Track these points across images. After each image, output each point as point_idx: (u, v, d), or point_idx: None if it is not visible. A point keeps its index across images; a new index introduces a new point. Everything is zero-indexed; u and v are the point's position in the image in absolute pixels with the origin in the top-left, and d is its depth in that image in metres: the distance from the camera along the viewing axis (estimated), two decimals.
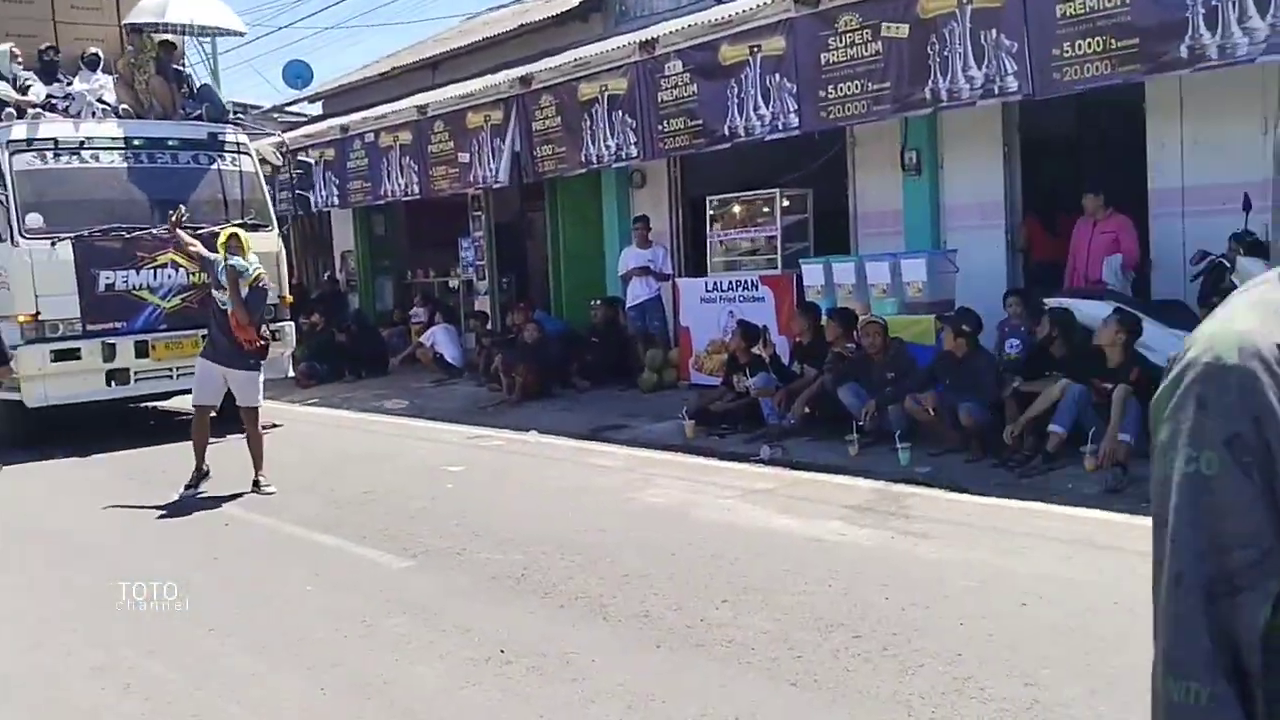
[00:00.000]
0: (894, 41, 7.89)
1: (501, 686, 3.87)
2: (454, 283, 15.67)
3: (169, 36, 10.94)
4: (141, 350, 9.77)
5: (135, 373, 9.81)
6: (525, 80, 11.19)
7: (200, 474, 7.53)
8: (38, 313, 9.36)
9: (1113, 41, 6.78)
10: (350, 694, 3.90)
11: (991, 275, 8.91)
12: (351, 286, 17.32)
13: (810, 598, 4.65)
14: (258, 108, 19.36)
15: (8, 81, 10.31)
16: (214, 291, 7.64)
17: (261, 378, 7.68)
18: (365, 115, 14.22)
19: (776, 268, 10.17)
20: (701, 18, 9.71)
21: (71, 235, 9.50)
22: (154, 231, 9.80)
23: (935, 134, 9.48)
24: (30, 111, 10.07)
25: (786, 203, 10.34)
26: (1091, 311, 7.25)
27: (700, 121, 9.43)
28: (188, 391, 8.03)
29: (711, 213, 10.88)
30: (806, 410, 8.25)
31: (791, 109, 8.66)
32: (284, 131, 15.51)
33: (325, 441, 9.86)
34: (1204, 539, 1.01)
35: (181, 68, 11.56)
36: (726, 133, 9.23)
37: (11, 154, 9.55)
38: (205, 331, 7.98)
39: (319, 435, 10.30)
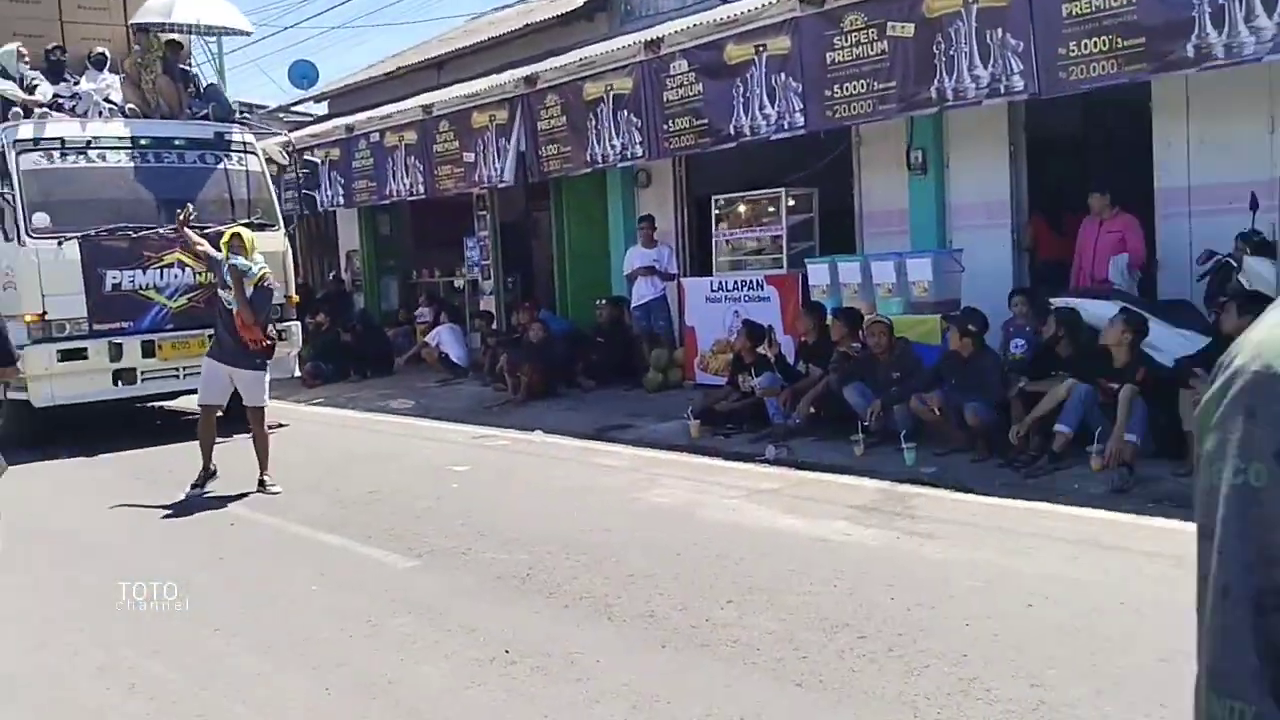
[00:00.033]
0: (899, 41, 7.88)
1: (506, 686, 3.87)
2: (459, 282, 15.68)
3: (175, 36, 10.96)
4: (148, 350, 9.79)
5: (142, 372, 9.83)
6: (530, 80, 11.19)
7: (207, 473, 7.55)
8: (44, 312, 9.39)
9: (1119, 40, 6.77)
10: (355, 694, 3.90)
11: (997, 275, 8.90)
12: (357, 286, 17.35)
13: (815, 598, 4.64)
14: (263, 107, 19.38)
15: (15, 81, 10.34)
16: (220, 291, 7.65)
17: (268, 378, 7.69)
18: (370, 115, 14.24)
19: (782, 267, 10.16)
20: (707, 17, 9.70)
21: (78, 235, 9.52)
22: (160, 231, 9.83)
23: (941, 133, 9.46)
24: (37, 111, 10.09)
25: (792, 202, 10.33)
26: (1098, 311, 7.23)
27: (705, 121, 9.42)
28: (194, 391, 8.05)
29: (717, 212, 10.87)
30: (812, 410, 8.24)
31: (797, 108, 8.65)
32: (290, 131, 15.54)
33: (330, 441, 9.87)
34: (1252, 551, 0.97)
35: (188, 67, 11.58)
36: (732, 132, 9.22)
37: (18, 153, 9.58)
38: (212, 331, 7.99)
39: (324, 435, 10.32)
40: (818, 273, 9.45)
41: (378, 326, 15.43)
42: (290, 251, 11.24)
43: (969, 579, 4.79)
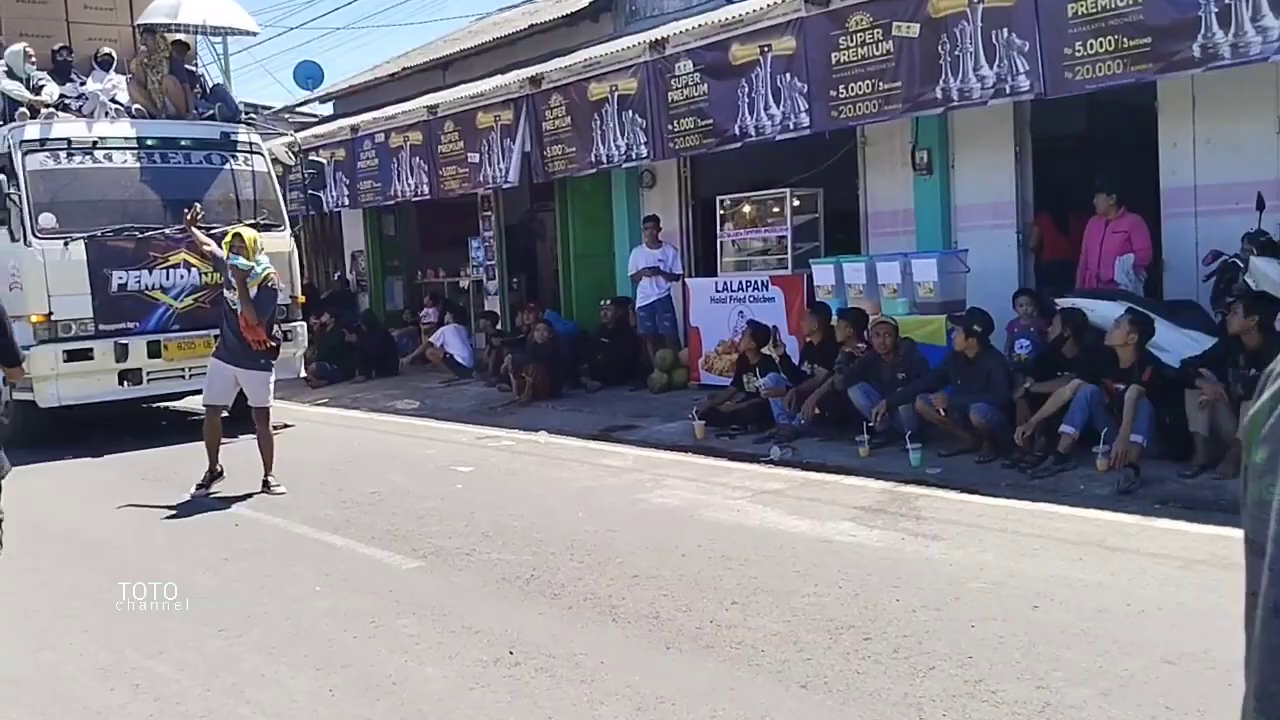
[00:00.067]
0: (905, 41, 7.87)
1: (510, 688, 3.87)
2: (464, 283, 15.69)
3: (182, 36, 10.98)
4: (154, 350, 9.80)
5: (148, 373, 9.84)
6: (535, 80, 11.20)
7: (213, 474, 7.56)
8: (50, 313, 9.40)
9: (1125, 40, 6.76)
10: (359, 695, 3.90)
11: (1003, 275, 8.89)
12: (362, 287, 17.37)
13: (820, 599, 4.63)
14: (269, 108, 19.41)
15: (21, 81, 10.36)
16: (225, 291, 7.65)
17: (273, 378, 7.70)
18: (375, 116, 14.26)
19: (787, 268, 10.15)
20: (712, 17, 9.69)
21: (84, 235, 9.53)
22: (166, 231, 9.85)
23: (946, 133, 9.45)
24: (43, 111, 10.10)
25: (797, 202, 10.32)
26: (1104, 311, 7.21)
27: (711, 121, 9.42)
28: (200, 392, 8.05)
29: (722, 213, 10.86)
30: (817, 411, 8.24)
31: (802, 109, 8.65)
32: (295, 132, 15.56)
33: (335, 441, 9.88)
34: None
35: (195, 68, 11.60)
36: (737, 132, 9.22)
37: (25, 154, 9.59)
38: (217, 332, 8.00)
39: (329, 435, 10.32)
40: (823, 273, 9.44)
41: (383, 327, 15.44)
42: (296, 252, 11.25)
43: (974, 580, 4.78)
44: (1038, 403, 6.98)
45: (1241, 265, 7.03)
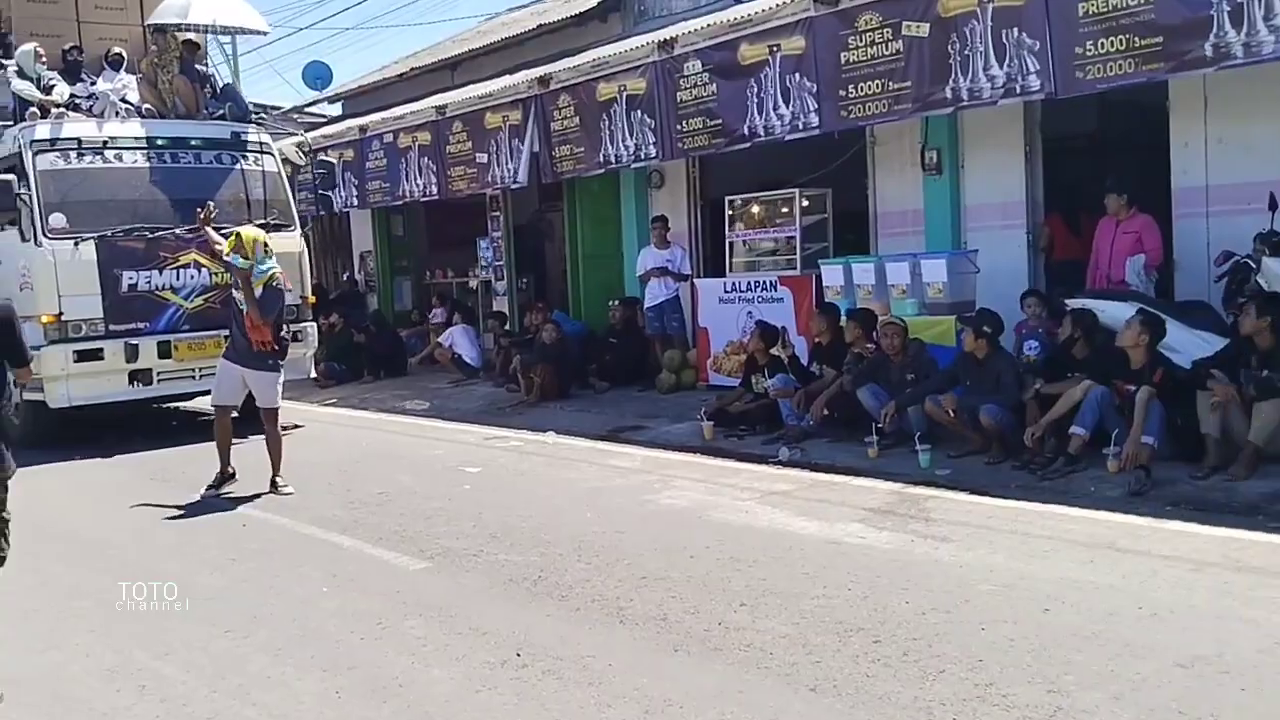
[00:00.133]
0: (914, 40, 7.84)
1: (517, 690, 3.85)
2: (472, 283, 15.70)
3: (192, 36, 10.99)
4: (164, 351, 9.81)
5: (158, 373, 9.85)
6: (544, 80, 11.19)
7: (224, 475, 7.55)
8: (61, 313, 9.42)
9: (1136, 40, 6.72)
10: (366, 696, 3.89)
11: (1013, 276, 8.85)
12: (370, 287, 17.39)
13: (829, 601, 4.61)
14: (278, 108, 19.44)
15: (32, 81, 10.38)
16: (234, 292, 7.65)
17: (281, 379, 7.69)
18: (384, 116, 14.27)
19: (796, 268, 10.12)
20: (720, 17, 9.68)
21: (95, 235, 9.55)
22: (177, 232, 9.86)
23: (956, 133, 9.42)
24: (54, 111, 10.11)
25: (806, 203, 10.29)
26: (1114, 312, 7.17)
27: (719, 121, 9.40)
28: (210, 392, 8.06)
29: (731, 213, 10.84)
30: (825, 412, 8.21)
31: (811, 108, 8.62)
32: (304, 132, 15.57)
33: (343, 442, 9.88)
34: None
35: (205, 67, 11.61)
36: (746, 132, 9.20)
37: (35, 154, 9.61)
38: (227, 332, 8.00)
39: (337, 435, 10.33)
40: (832, 274, 9.41)
41: (391, 327, 15.45)
42: (306, 252, 11.26)
43: (984, 583, 4.75)
44: (1048, 404, 6.94)
45: (1254, 266, 6.99)
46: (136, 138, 10.17)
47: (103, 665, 4.35)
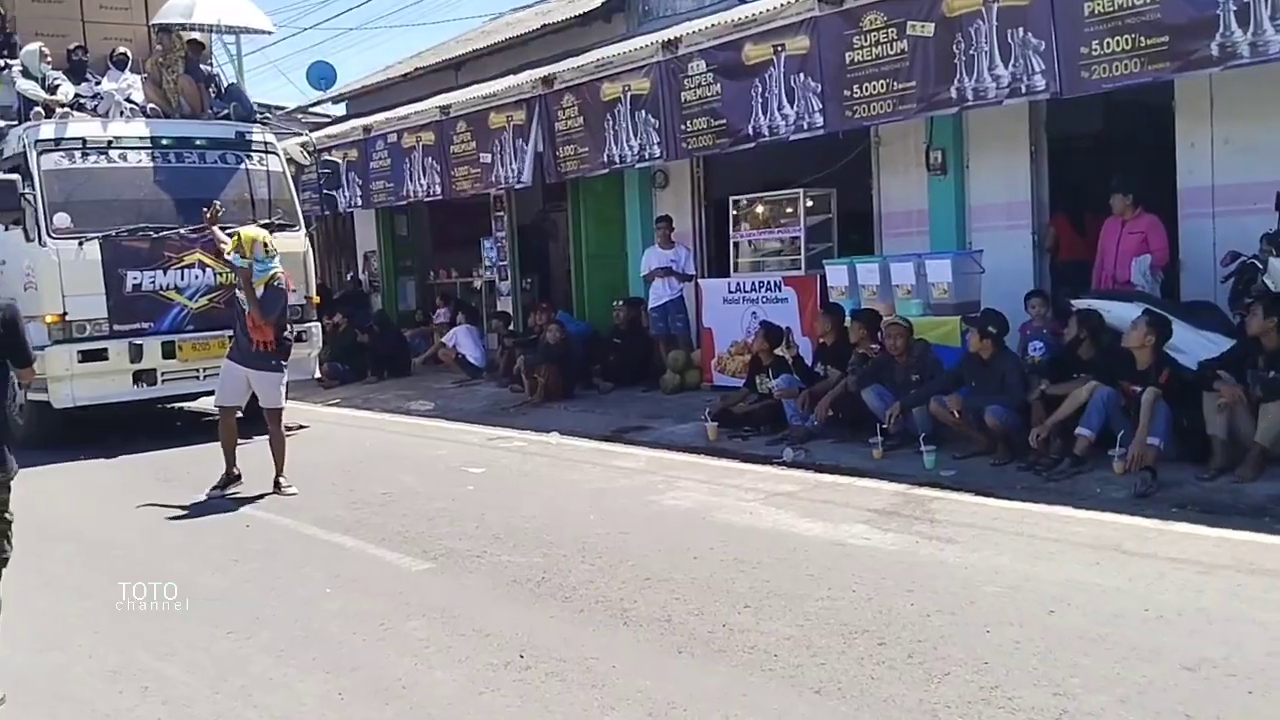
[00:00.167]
0: (919, 40, 7.83)
1: (520, 692, 3.84)
2: (476, 283, 15.69)
3: (197, 36, 10.99)
4: (168, 351, 9.80)
5: (162, 373, 9.85)
6: (548, 80, 11.18)
7: (230, 476, 7.53)
8: (65, 313, 9.41)
9: (1142, 39, 6.70)
10: (368, 698, 3.88)
11: (1018, 276, 8.83)
12: (374, 287, 17.39)
13: (834, 603, 4.59)
14: (282, 108, 19.45)
15: (36, 81, 10.39)
16: (237, 292, 7.65)
17: (284, 379, 7.68)
18: (388, 116, 14.27)
19: (800, 268, 10.11)
20: (725, 17, 9.66)
21: (99, 235, 9.54)
22: (181, 231, 9.86)
23: (961, 133, 9.39)
24: (59, 111, 10.13)
25: (810, 203, 10.27)
26: (1120, 313, 7.15)
27: (724, 121, 9.39)
28: (214, 393, 8.04)
29: (735, 213, 10.82)
30: (830, 412, 8.19)
31: (816, 108, 8.61)
32: (309, 132, 15.58)
33: (346, 442, 9.88)
34: None
35: (210, 67, 11.61)
36: (750, 132, 9.18)
37: (40, 154, 9.61)
38: (232, 332, 7.99)
39: (340, 436, 10.33)
40: (836, 274, 9.39)
41: (395, 327, 15.45)
42: (311, 252, 11.25)
43: (990, 584, 4.73)
44: (1053, 405, 6.92)
45: (1260, 266, 6.96)
46: (141, 137, 10.17)
47: (106, 666, 4.35)
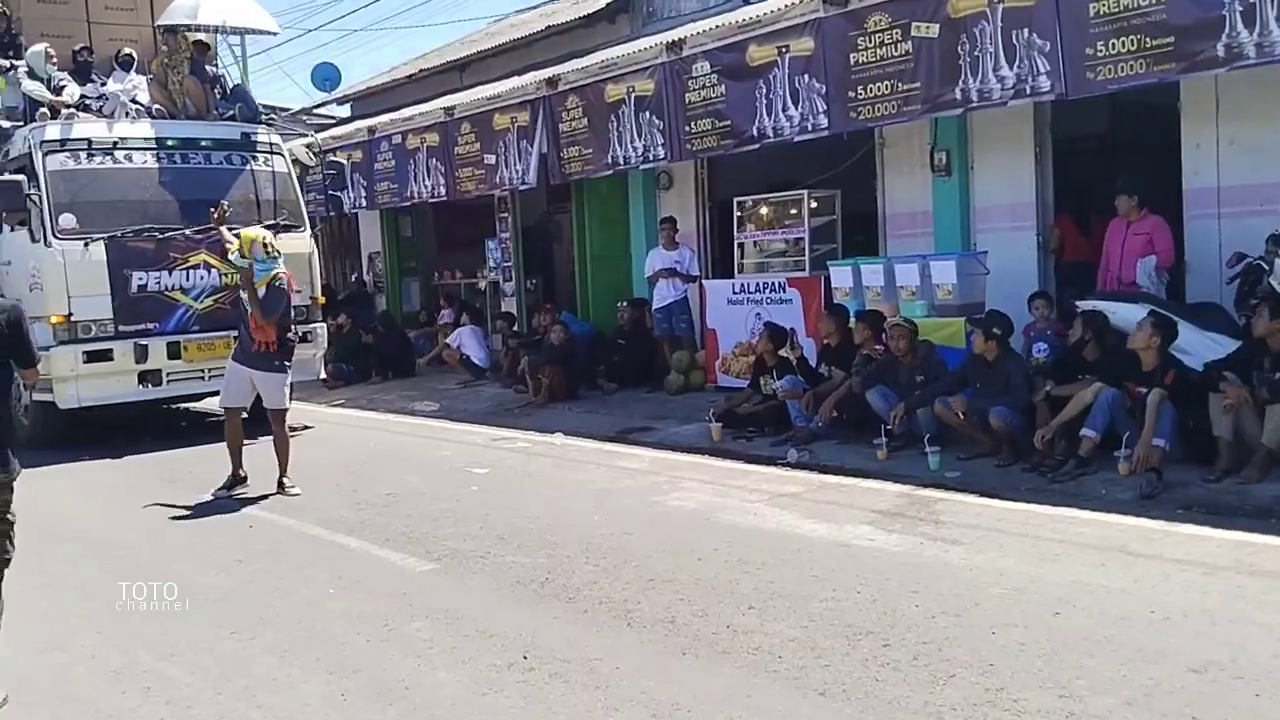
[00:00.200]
0: (924, 41, 7.81)
1: (524, 693, 3.83)
2: (481, 284, 15.69)
3: (202, 37, 11.00)
4: (174, 351, 9.81)
5: (167, 374, 9.85)
6: (552, 82, 11.18)
7: (235, 478, 7.52)
8: (70, 314, 9.42)
9: (1147, 40, 6.68)
10: (372, 699, 3.87)
11: (1022, 277, 8.80)
12: (379, 288, 17.39)
13: (838, 604, 4.58)
14: (286, 110, 19.45)
15: (42, 82, 10.41)
16: (241, 293, 7.65)
17: (288, 380, 7.68)
18: (393, 117, 14.28)
19: (804, 269, 10.09)
20: (729, 18, 9.65)
21: (104, 236, 9.55)
22: (186, 232, 9.87)
23: (965, 134, 9.37)
24: (64, 112, 10.14)
25: (814, 204, 10.26)
26: (1125, 314, 7.13)
27: (728, 122, 9.38)
28: (219, 393, 8.05)
29: (739, 214, 10.81)
30: (834, 413, 8.18)
31: (821, 110, 8.59)
32: (315, 133, 15.59)
33: (350, 442, 9.88)
34: None
35: (215, 68, 11.62)
36: (755, 134, 9.17)
37: (45, 154, 9.63)
38: (236, 333, 7.99)
39: (345, 436, 10.33)
40: (840, 275, 9.38)
41: (399, 328, 15.46)
42: (316, 253, 11.25)
43: (995, 586, 4.72)
44: (1058, 406, 6.90)
45: (1266, 268, 6.94)
46: (146, 138, 10.18)
47: (108, 666, 4.35)
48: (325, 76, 20.54)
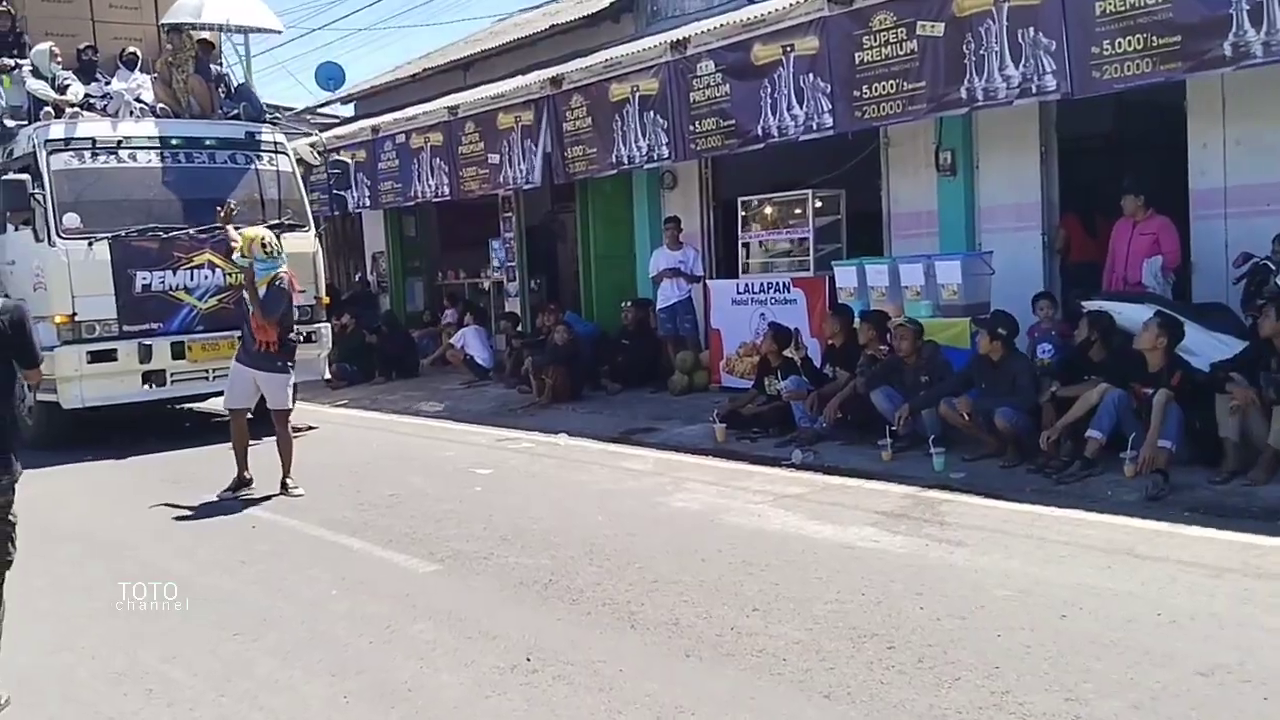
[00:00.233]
0: (929, 40, 7.78)
1: (527, 696, 3.82)
2: (484, 284, 15.69)
3: (207, 35, 11.00)
4: (178, 351, 9.79)
5: (171, 374, 9.83)
6: (556, 81, 11.16)
7: (241, 480, 7.50)
8: (74, 313, 9.41)
9: (1154, 39, 6.65)
10: (374, 702, 3.86)
11: (1028, 277, 8.78)
12: (382, 288, 17.39)
13: (843, 606, 4.56)
14: (290, 109, 19.46)
15: (46, 81, 10.40)
16: (244, 292, 7.64)
17: (291, 380, 7.65)
18: (396, 116, 14.27)
19: (809, 269, 10.07)
20: (734, 17, 9.63)
21: (109, 235, 9.54)
22: (191, 232, 9.86)
23: (970, 134, 9.35)
24: (68, 111, 10.13)
25: (819, 204, 10.24)
26: (1131, 314, 7.10)
27: (733, 122, 9.36)
28: (224, 393, 8.04)
29: (744, 214, 10.79)
30: (839, 414, 8.15)
31: (825, 109, 8.57)
32: (319, 132, 15.58)
33: (354, 443, 9.87)
34: None
35: (220, 67, 11.62)
36: (760, 133, 9.15)
37: (49, 153, 9.62)
38: (240, 333, 7.98)
39: (348, 437, 10.32)
40: (845, 275, 9.36)
41: (403, 328, 15.45)
42: (321, 252, 11.24)
43: (1000, 588, 4.70)
44: (1064, 407, 6.88)
45: (1273, 268, 6.92)
46: (151, 137, 10.17)
47: (111, 668, 4.33)
48: (329, 76, 20.53)
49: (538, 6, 18.16)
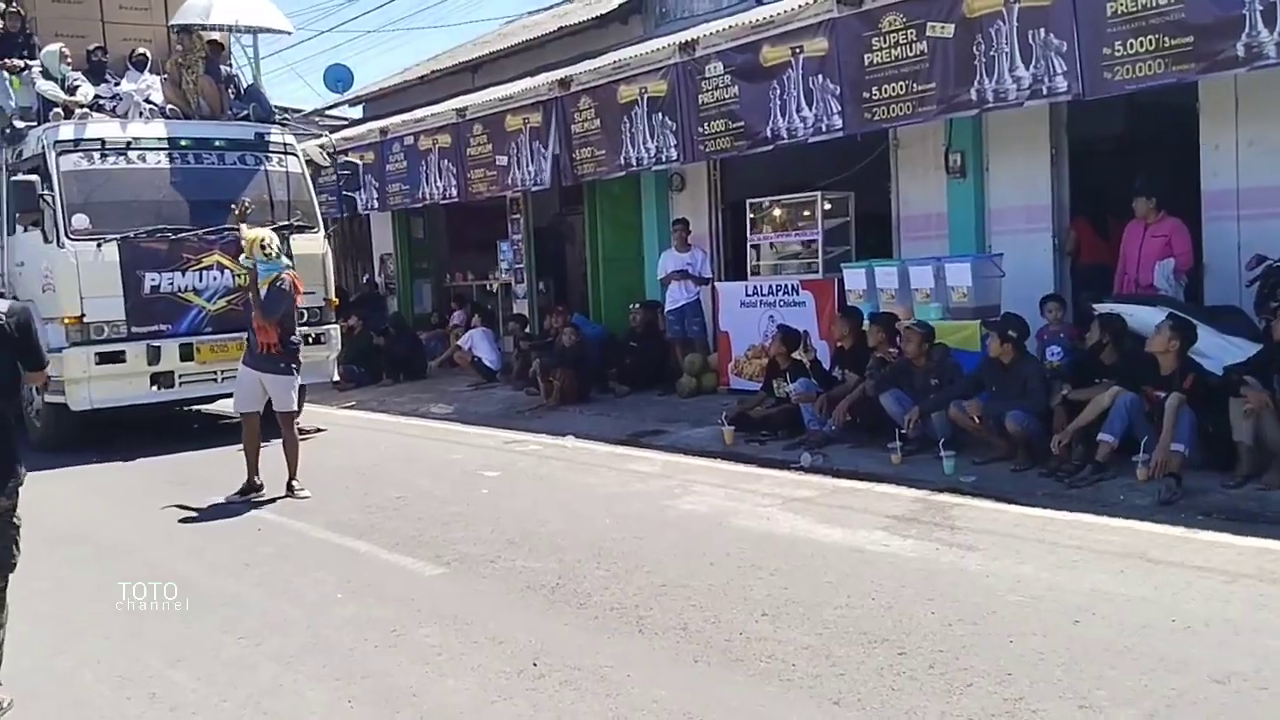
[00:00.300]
0: (939, 41, 7.75)
1: (533, 701, 3.78)
2: (492, 286, 15.68)
3: (217, 36, 11.00)
4: (186, 353, 9.77)
5: (180, 376, 9.81)
6: (564, 83, 11.15)
7: (251, 484, 7.47)
8: (83, 315, 9.40)
9: (1166, 40, 6.60)
10: (378, 706, 3.82)
11: (1038, 280, 8.71)
12: (390, 290, 17.40)
13: (853, 611, 4.52)
14: (299, 111, 19.48)
15: (56, 82, 10.39)
16: (250, 295, 7.62)
17: (297, 382, 7.63)
18: (405, 118, 14.28)
19: (818, 272, 10.03)
20: (742, 19, 9.60)
21: (117, 236, 9.53)
22: (199, 233, 9.85)
23: (980, 135, 9.30)
24: (78, 112, 10.13)
25: (828, 206, 10.19)
26: (1144, 317, 7.05)
27: (742, 123, 9.33)
28: (232, 395, 8.01)
29: (752, 216, 10.75)
30: (848, 417, 8.11)
31: (835, 110, 8.54)
32: (329, 133, 15.59)
33: (360, 445, 9.85)
34: None
35: (229, 68, 11.62)
36: (769, 135, 9.12)
37: (59, 154, 9.63)
38: (247, 335, 7.95)
39: (355, 438, 10.30)
40: (854, 277, 9.31)
41: (411, 330, 15.44)
42: (330, 254, 11.22)
43: (1012, 593, 4.65)
44: (1075, 410, 6.83)
45: None
46: (160, 138, 10.17)
47: (114, 672, 4.31)
48: (338, 78, 20.56)
49: (546, 8, 18.16)
